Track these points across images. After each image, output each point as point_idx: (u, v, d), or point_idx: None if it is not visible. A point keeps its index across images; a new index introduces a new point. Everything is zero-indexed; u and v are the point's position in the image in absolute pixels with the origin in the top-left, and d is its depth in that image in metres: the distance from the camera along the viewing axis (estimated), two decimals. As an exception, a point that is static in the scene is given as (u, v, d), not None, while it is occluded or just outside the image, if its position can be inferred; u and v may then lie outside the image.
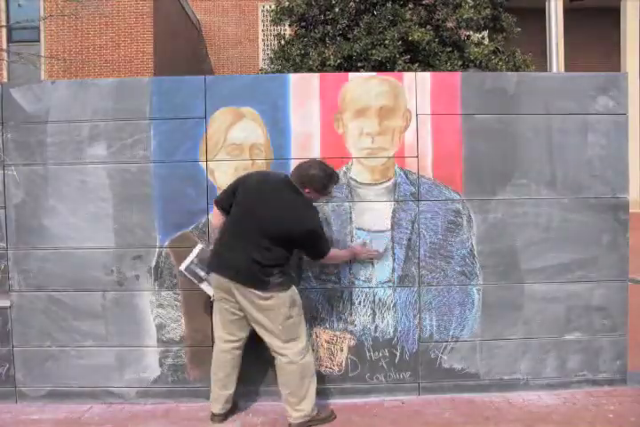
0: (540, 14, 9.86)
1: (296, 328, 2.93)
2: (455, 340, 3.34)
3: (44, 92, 3.29)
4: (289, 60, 9.60)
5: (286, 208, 2.84)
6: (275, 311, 2.86)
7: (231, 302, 2.91)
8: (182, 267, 3.13)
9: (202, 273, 3.11)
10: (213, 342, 3.10)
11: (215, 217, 3.05)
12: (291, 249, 2.90)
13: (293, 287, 2.96)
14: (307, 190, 2.89)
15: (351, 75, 3.42)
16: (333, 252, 3.04)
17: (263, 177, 2.97)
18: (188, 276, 3.14)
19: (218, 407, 3.04)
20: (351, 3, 9.58)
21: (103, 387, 3.31)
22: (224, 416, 3.06)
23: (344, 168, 3.30)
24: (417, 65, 8.89)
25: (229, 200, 2.94)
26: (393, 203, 3.30)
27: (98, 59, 13.08)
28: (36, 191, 3.30)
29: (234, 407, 3.14)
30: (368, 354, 3.32)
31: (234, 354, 3.03)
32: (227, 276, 2.86)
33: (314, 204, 2.97)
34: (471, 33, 10.03)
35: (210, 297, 3.09)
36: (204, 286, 3.13)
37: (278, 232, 2.82)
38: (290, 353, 2.90)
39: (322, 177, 2.88)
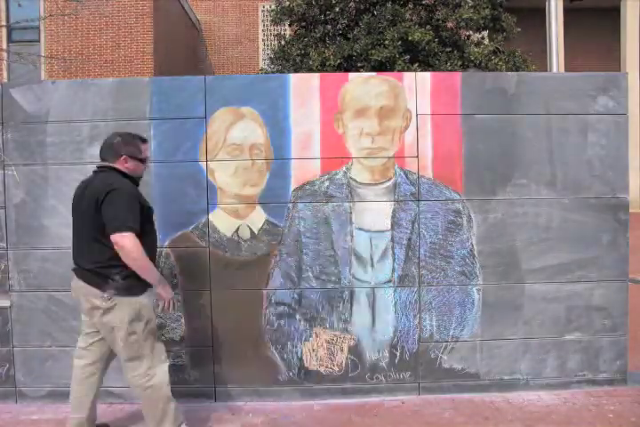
0: (540, 14, 9.86)
1: (141, 348, 2.61)
2: (455, 340, 3.34)
3: (44, 92, 3.29)
4: (289, 60, 9.60)
5: (93, 188, 2.58)
6: (117, 327, 2.56)
7: (85, 320, 2.72)
8: None
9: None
10: (213, 342, 3.10)
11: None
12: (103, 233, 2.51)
13: (144, 296, 2.61)
14: (123, 158, 2.64)
15: (351, 75, 3.42)
16: (137, 245, 2.48)
17: (80, 184, 2.74)
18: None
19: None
20: (351, 3, 9.59)
21: (103, 387, 3.29)
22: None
23: (344, 168, 3.30)
24: (417, 65, 8.89)
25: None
26: (393, 203, 3.30)
27: (98, 59, 13.08)
28: (36, 191, 3.30)
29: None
30: (368, 354, 3.32)
31: (90, 371, 2.78)
32: (73, 282, 2.65)
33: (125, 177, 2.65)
34: (471, 33, 10.03)
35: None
36: None
37: (94, 216, 2.52)
38: (132, 374, 2.65)
39: (128, 139, 2.68)
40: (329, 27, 9.55)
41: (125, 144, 2.68)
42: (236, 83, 3.31)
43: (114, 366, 3.29)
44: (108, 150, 2.68)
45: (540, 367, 3.38)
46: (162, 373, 2.68)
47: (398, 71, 8.28)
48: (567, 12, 13.82)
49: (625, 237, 3.38)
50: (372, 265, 3.31)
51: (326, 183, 3.29)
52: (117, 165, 2.67)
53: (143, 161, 2.76)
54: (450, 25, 9.72)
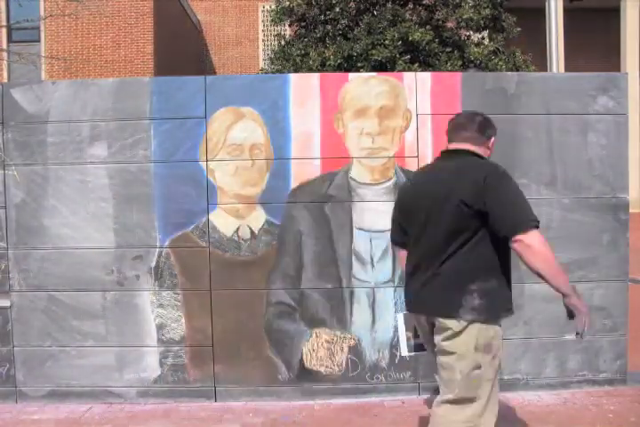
0: (540, 14, 9.85)
1: (479, 383, 2.00)
2: (455, 340, 3.34)
3: (44, 92, 3.29)
4: (289, 60, 9.60)
5: (447, 178, 2.05)
6: (460, 354, 2.00)
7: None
8: (404, 352, 2.44)
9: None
10: (213, 342, 3.09)
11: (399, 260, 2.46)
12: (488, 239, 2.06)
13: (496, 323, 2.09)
14: (493, 141, 2.17)
15: (351, 75, 3.42)
16: (544, 240, 2.05)
17: (416, 176, 2.33)
18: (419, 352, 2.39)
19: None
20: (351, 3, 9.59)
21: (103, 387, 3.31)
22: None
23: (344, 168, 3.30)
24: (417, 65, 8.89)
25: (398, 230, 2.27)
26: (393, 203, 3.29)
27: (98, 59, 13.09)
28: (36, 191, 3.30)
29: None
30: (368, 354, 3.32)
31: None
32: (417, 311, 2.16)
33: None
34: (471, 33, 10.03)
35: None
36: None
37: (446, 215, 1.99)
38: (457, 413, 1.99)
39: (488, 118, 2.19)
40: (329, 27, 9.55)
41: (490, 124, 2.17)
42: (237, 83, 3.31)
43: (114, 365, 3.30)
44: (471, 130, 2.13)
45: (540, 367, 3.38)
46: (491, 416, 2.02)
47: (398, 71, 8.28)
48: (567, 12, 13.81)
49: (625, 237, 3.38)
50: (372, 265, 3.31)
51: (326, 183, 3.29)
52: (479, 150, 2.11)
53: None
54: (450, 25, 9.72)
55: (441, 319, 2.03)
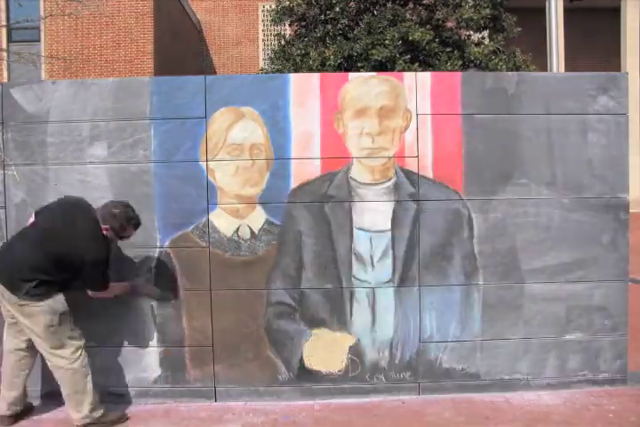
0: (540, 14, 9.85)
1: (61, 335, 2.92)
2: (455, 340, 3.34)
3: (44, 91, 3.29)
4: (289, 59, 9.59)
5: (78, 232, 2.90)
6: (35, 318, 2.85)
7: (5, 305, 2.94)
8: None
9: None
10: (213, 342, 3.09)
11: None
12: (70, 272, 2.91)
13: (54, 297, 2.90)
14: (105, 227, 2.94)
15: (351, 75, 3.42)
16: (110, 286, 3.04)
17: (72, 200, 3.05)
18: None
19: (4, 409, 3.02)
20: (351, 2, 9.58)
21: (103, 387, 3.30)
22: (14, 418, 3.04)
23: (344, 168, 3.30)
24: (417, 65, 8.89)
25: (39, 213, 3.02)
26: (393, 203, 3.30)
27: (98, 59, 13.09)
28: (36, 191, 3.30)
29: (26, 410, 3.13)
30: (368, 354, 3.32)
31: (19, 355, 3.02)
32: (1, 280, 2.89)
33: (104, 240, 2.97)
34: (471, 33, 10.02)
35: None
36: None
37: (60, 254, 2.86)
38: (55, 360, 2.93)
39: (123, 218, 2.94)
40: (329, 26, 9.55)
41: (121, 227, 2.98)
42: (237, 83, 3.31)
43: (114, 365, 3.30)
44: (107, 216, 2.95)
45: (540, 367, 3.38)
46: (81, 356, 2.99)
47: (398, 71, 8.28)
48: (567, 12, 13.80)
49: (625, 236, 3.38)
50: (372, 265, 3.31)
51: (326, 183, 3.29)
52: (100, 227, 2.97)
53: (121, 238, 3.07)
54: (450, 25, 9.72)
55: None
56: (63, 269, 2.89)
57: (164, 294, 3.28)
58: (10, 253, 2.92)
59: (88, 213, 2.98)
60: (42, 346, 2.93)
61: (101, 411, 2.99)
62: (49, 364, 2.98)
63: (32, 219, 3.03)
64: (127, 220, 2.97)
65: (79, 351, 2.98)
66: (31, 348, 3.00)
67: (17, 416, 3.05)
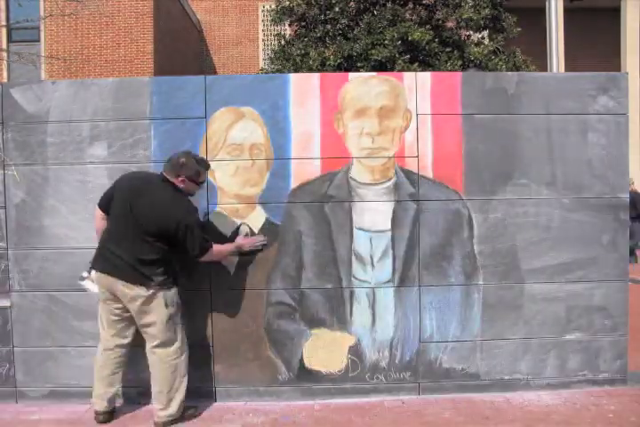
0: (540, 14, 9.86)
1: (174, 329, 2.98)
2: (455, 340, 3.34)
3: (44, 91, 3.29)
4: (289, 59, 9.58)
5: (157, 202, 2.90)
6: (155, 312, 2.92)
7: (115, 303, 2.97)
8: (81, 280, 3.25)
9: (84, 273, 3.23)
10: (213, 342, 3.08)
11: (96, 219, 3.09)
12: (171, 245, 2.93)
13: (175, 288, 3.00)
14: (180, 179, 2.93)
15: (351, 75, 3.42)
16: (216, 250, 3.04)
17: (135, 175, 3.05)
18: (85, 286, 3.23)
19: (104, 405, 3.05)
20: (351, 2, 9.57)
21: (103, 387, 3.30)
22: (110, 415, 3.07)
23: (344, 168, 3.30)
24: (417, 65, 8.88)
25: (108, 202, 3.01)
26: (393, 203, 3.30)
27: (98, 59, 13.08)
28: (36, 191, 3.30)
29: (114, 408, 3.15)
30: (368, 354, 3.32)
31: (120, 353, 3.05)
32: (112, 274, 2.92)
33: (189, 197, 3.01)
34: (471, 33, 10.01)
35: (98, 298, 3.09)
36: (87, 284, 3.22)
37: (153, 227, 2.87)
38: (163, 353, 2.97)
39: (193, 163, 2.93)
40: (329, 26, 9.54)
41: (196, 174, 2.97)
42: (237, 83, 3.31)
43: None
44: (177, 167, 2.95)
45: (540, 367, 3.38)
46: (185, 352, 3.06)
47: (398, 71, 8.28)
48: (567, 12, 13.80)
49: (625, 236, 3.38)
50: (372, 265, 3.31)
51: (326, 183, 3.29)
52: (176, 182, 2.96)
53: (200, 184, 3.05)
54: (450, 25, 9.71)
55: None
56: (167, 244, 2.90)
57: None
58: (117, 250, 2.92)
59: (150, 181, 2.98)
60: (153, 340, 2.96)
61: (182, 409, 3.03)
62: (152, 358, 3.00)
63: (99, 213, 3.06)
64: (198, 163, 2.96)
65: (184, 347, 3.04)
66: (130, 344, 3.06)
67: (113, 412, 3.10)
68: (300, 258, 3.28)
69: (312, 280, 3.30)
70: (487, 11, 9.35)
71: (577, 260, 3.35)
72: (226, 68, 17.72)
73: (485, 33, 10.27)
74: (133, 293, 2.89)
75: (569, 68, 13.41)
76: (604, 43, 15.61)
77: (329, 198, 3.28)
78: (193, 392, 3.29)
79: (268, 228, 3.29)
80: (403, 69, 8.50)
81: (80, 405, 3.26)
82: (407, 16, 9.30)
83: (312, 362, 3.31)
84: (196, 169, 2.95)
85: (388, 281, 3.31)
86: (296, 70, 9.09)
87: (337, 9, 9.40)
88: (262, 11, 17.64)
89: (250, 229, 3.29)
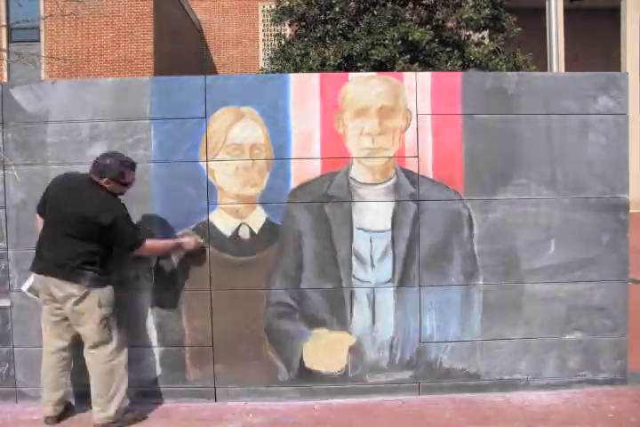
0: (539, 14, 9.86)
1: (108, 329, 2.96)
2: (455, 340, 3.34)
3: (44, 91, 3.29)
4: (289, 59, 9.59)
5: (86, 202, 2.89)
6: (88, 312, 2.89)
7: (54, 303, 2.95)
8: (24, 288, 3.17)
9: (25, 284, 3.18)
10: (213, 342, 3.09)
11: (39, 224, 3.08)
12: (102, 243, 2.92)
13: (110, 287, 2.99)
14: (105, 180, 2.92)
15: (351, 75, 3.42)
16: (150, 243, 3.03)
17: (65, 177, 3.03)
18: (30, 295, 3.15)
19: (50, 410, 3.02)
20: (351, 2, 9.58)
21: (103, 387, 3.30)
22: (57, 418, 3.04)
23: (344, 168, 3.30)
24: (417, 65, 8.88)
25: (43, 205, 3.01)
26: (393, 203, 3.30)
27: (98, 59, 13.08)
28: (36, 191, 3.29)
29: (67, 410, 3.13)
30: (368, 354, 3.32)
31: (62, 356, 3.03)
32: (46, 273, 2.91)
33: (118, 196, 2.99)
34: (471, 33, 10.02)
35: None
36: (29, 290, 3.15)
37: (84, 226, 2.87)
38: (100, 354, 2.94)
39: (117, 164, 2.92)
40: (329, 26, 9.54)
41: (120, 175, 2.95)
42: (237, 83, 3.31)
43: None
44: (101, 168, 2.93)
45: (540, 367, 3.38)
46: (123, 352, 3.03)
47: (398, 71, 8.28)
48: (567, 12, 13.80)
49: (625, 236, 3.38)
50: (373, 265, 3.31)
51: (326, 183, 3.29)
52: (102, 183, 2.95)
53: (126, 185, 3.02)
54: (450, 25, 9.71)
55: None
56: (98, 241, 2.90)
57: (166, 295, 3.28)
58: (50, 250, 2.92)
59: (79, 181, 2.97)
60: (90, 340, 2.94)
61: (122, 411, 2.99)
62: (89, 359, 2.98)
63: (40, 218, 3.07)
64: (122, 164, 2.94)
65: (123, 348, 3.02)
66: (72, 346, 3.04)
67: (60, 417, 3.06)
68: (300, 258, 3.28)
69: (312, 280, 3.30)
70: (487, 11, 9.35)
71: (577, 260, 3.35)
72: (226, 68, 17.73)
73: (485, 33, 10.27)
74: (66, 292, 2.87)
75: (569, 68, 13.42)
76: (604, 43, 15.61)
77: (329, 198, 3.28)
78: (193, 392, 3.30)
79: (268, 228, 3.29)
80: (403, 69, 8.50)
81: (79, 405, 3.25)
82: (407, 16, 9.31)
83: (312, 362, 3.31)
84: (120, 170, 2.93)
85: (388, 281, 3.31)
86: (296, 70, 9.09)
87: (337, 9, 9.40)
88: (262, 11, 17.65)
89: (250, 229, 3.29)
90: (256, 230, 3.29)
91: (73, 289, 2.87)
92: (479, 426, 2.98)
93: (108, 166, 2.91)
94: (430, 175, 3.31)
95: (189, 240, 3.20)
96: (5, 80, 12.65)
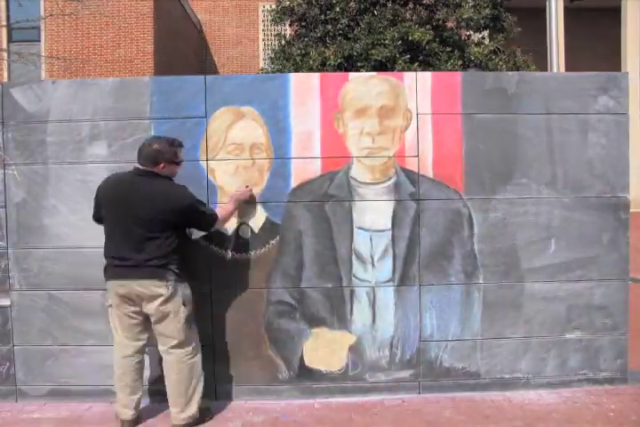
0: (539, 14, 9.86)
1: (190, 328, 2.95)
2: (456, 339, 3.34)
3: (44, 91, 3.29)
4: (289, 59, 9.59)
5: (155, 195, 2.85)
6: (174, 311, 2.87)
7: (131, 306, 2.89)
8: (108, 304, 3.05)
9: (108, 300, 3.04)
10: (213, 341, 3.09)
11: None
12: (176, 233, 2.90)
13: (187, 283, 2.97)
14: (162, 166, 2.90)
15: (351, 74, 3.42)
16: (221, 214, 3.04)
17: (114, 180, 2.97)
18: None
19: (130, 414, 2.96)
20: (351, 2, 9.58)
21: (104, 386, 3.30)
22: (135, 422, 2.98)
23: (344, 167, 3.30)
24: (417, 65, 8.89)
25: (99, 212, 2.99)
26: (393, 202, 3.30)
27: (98, 58, 13.09)
28: (36, 190, 3.30)
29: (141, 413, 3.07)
30: (368, 353, 3.32)
31: (138, 358, 2.99)
32: (126, 277, 2.84)
33: (171, 182, 2.96)
34: (471, 33, 10.02)
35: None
36: None
37: (157, 220, 2.83)
38: (182, 353, 2.92)
39: (167, 146, 2.91)
40: (329, 26, 9.54)
41: (174, 156, 2.95)
42: (237, 82, 3.31)
43: (112, 365, 3.30)
44: (154, 154, 2.90)
45: (540, 366, 3.38)
46: (200, 351, 3.03)
47: (399, 71, 8.28)
48: (567, 11, 13.80)
49: (625, 236, 3.38)
50: (373, 264, 3.31)
51: (327, 182, 3.29)
52: (156, 170, 2.91)
53: (179, 164, 3.01)
54: (450, 25, 9.72)
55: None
56: (172, 233, 2.87)
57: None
58: (124, 254, 2.85)
59: (134, 177, 2.92)
60: (173, 340, 2.90)
61: (199, 411, 2.98)
62: (169, 359, 2.93)
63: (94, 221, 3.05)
64: (171, 145, 2.94)
65: (199, 346, 3.02)
66: (145, 347, 3.02)
67: (139, 419, 3.01)
68: (301, 257, 3.29)
69: (312, 279, 3.30)
70: (487, 11, 9.35)
71: (577, 259, 3.36)
72: (226, 68, 17.73)
73: (485, 33, 10.28)
74: (154, 292, 2.83)
75: (569, 68, 13.41)
76: (604, 43, 15.61)
77: (329, 198, 3.29)
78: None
79: (268, 227, 3.29)
80: (403, 69, 8.51)
81: (80, 404, 3.26)
82: (407, 16, 9.32)
83: (312, 361, 3.31)
84: (172, 151, 2.93)
85: (389, 280, 3.32)
86: (296, 70, 9.10)
87: (337, 9, 9.41)
88: (262, 11, 17.65)
89: (250, 228, 3.29)
90: (256, 230, 3.29)
91: (160, 289, 2.83)
92: (479, 425, 2.98)
93: (159, 151, 2.88)
94: (430, 175, 3.31)
95: (241, 192, 3.18)
96: (6, 80, 12.65)
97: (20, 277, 3.30)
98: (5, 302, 3.31)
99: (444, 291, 3.33)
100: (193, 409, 2.93)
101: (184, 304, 2.90)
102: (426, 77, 3.32)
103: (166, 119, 3.27)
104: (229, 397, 3.32)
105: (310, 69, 8.92)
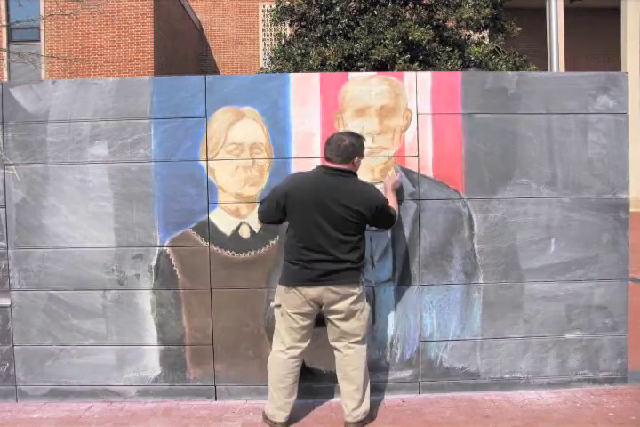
0: (540, 14, 9.87)
1: (366, 324, 3.00)
2: (456, 339, 3.34)
3: (44, 91, 3.29)
4: (289, 59, 9.60)
5: (356, 194, 2.83)
6: (361, 308, 2.91)
7: (309, 309, 2.87)
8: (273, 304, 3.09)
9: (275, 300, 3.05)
10: (213, 341, 3.08)
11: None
12: (362, 232, 2.91)
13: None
14: (355, 160, 2.89)
15: (351, 74, 3.42)
16: (396, 208, 3.04)
17: (302, 180, 2.89)
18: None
19: (285, 416, 2.95)
20: (351, 2, 9.59)
21: (104, 386, 3.31)
22: (288, 424, 2.97)
23: (344, 167, 3.29)
24: (417, 64, 8.90)
25: (278, 214, 2.92)
26: (393, 202, 3.29)
27: (98, 58, 13.10)
28: (36, 190, 3.30)
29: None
30: (368, 353, 3.31)
31: (299, 361, 2.99)
32: (324, 281, 2.81)
33: (356, 177, 2.93)
34: (471, 32, 10.03)
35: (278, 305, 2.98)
36: None
37: (356, 222, 2.82)
38: (361, 349, 2.94)
39: (357, 141, 2.90)
40: (329, 26, 9.56)
41: (364, 148, 2.96)
42: (237, 82, 3.31)
43: (115, 364, 3.30)
44: (351, 149, 2.86)
45: (540, 366, 3.38)
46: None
47: (399, 71, 8.28)
48: (567, 11, 13.82)
49: (625, 236, 3.38)
50: (373, 264, 3.31)
51: (327, 182, 3.29)
52: (349, 167, 2.90)
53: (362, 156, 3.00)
54: (450, 24, 9.73)
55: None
56: (361, 232, 2.88)
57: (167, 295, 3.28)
58: (319, 257, 2.81)
59: (327, 176, 2.85)
60: (355, 336, 2.92)
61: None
62: (350, 353, 2.93)
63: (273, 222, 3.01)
64: (359, 138, 2.93)
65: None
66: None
67: (289, 422, 2.99)
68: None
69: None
70: (487, 10, 9.37)
71: (577, 259, 3.36)
72: (226, 68, 17.74)
73: (485, 33, 10.28)
74: (347, 292, 2.83)
75: (569, 67, 13.43)
76: (604, 43, 15.63)
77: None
78: (193, 391, 3.31)
79: (268, 227, 3.28)
80: (403, 69, 8.52)
81: (80, 403, 3.26)
82: (407, 16, 9.33)
83: (312, 361, 3.31)
84: (363, 144, 2.94)
85: (389, 280, 3.32)
86: (296, 70, 9.11)
87: (337, 9, 9.42)
88: (262, 10, 17.66)
89: (250, 228, 3.29)
90: (256, 229, 3.29)
91: (354, 289, 2.85)
92: (479, 425, 2.98)
93: (353, 146, 2.86)
94: (430, 174, 3.31)
95: (394, 181, 3.17)
96: (6, 80, 12.65)
97: (20, 277, 3.30)
98: (5, 301, 3.31)
99: (444, 291, 3.33)
100: (367, 405, 2.96)
101: (368, 300, 3.00)
102: (426, 77, 3.32)
103: (166, 119, 3.27)
104: (229, 397, 3.32)
105: (310, 69, 8.93)
